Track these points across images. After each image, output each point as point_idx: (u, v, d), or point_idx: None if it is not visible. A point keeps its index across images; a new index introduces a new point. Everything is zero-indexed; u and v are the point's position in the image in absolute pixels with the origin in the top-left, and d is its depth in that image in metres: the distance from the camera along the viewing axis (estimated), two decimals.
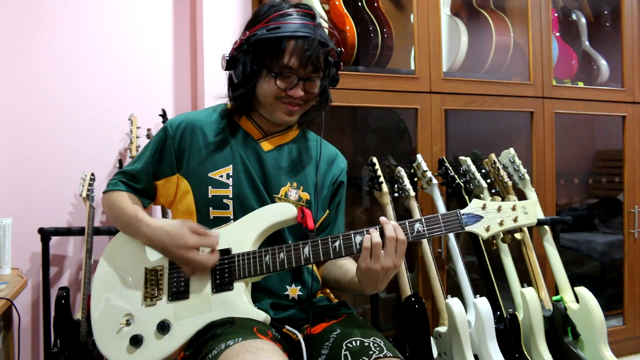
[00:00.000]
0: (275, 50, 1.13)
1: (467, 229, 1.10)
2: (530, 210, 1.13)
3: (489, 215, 1.11)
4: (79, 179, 1.93)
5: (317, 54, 1.13)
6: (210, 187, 1.19)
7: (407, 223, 1.10)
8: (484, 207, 1.12)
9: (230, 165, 1.21)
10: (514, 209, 1.12)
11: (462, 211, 1.11)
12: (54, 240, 1.90)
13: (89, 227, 1.78)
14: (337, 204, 1.34)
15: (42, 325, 1.82)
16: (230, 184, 1.20)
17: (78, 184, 1.95)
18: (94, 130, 2.02)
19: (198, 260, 1.08)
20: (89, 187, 1.85)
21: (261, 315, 1.09)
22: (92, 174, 1.90)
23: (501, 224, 1.11)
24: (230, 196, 1.19)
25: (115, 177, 1.27)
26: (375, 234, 1.05)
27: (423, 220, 1.10)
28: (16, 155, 1.93)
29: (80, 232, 1.83)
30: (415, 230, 1.10)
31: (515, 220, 1.12)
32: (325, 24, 1.18)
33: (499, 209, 1.12)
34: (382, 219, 1.08)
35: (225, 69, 1.21)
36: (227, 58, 1.19)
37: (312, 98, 1.21)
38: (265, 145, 1.25)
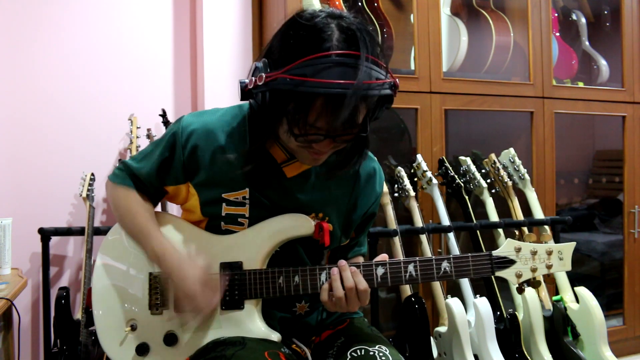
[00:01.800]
0: (298, 106, 0.90)
1: (498, 274, 1.04)
2: (566, 256, 1.05)
3: (522, 261, 1.04)
4: (79, 179, 1.92)
5: (353, 112, 0.89)
6: (224, 205, 1.08)
7: (434, 260, 1.03)
8: (518, 251, 1.04)
9: (247, 189, 1.08)
10: (549, 254, 1.04)
11: (494, 253, 1.04)
12: (54, 240, 1.90)
13: (89, 227, 1.78)
14: (362, 231, 1.24)
15: (42, 325, 1.81)
16: (247, 203, 1.08)
17: (78, 184, 1.94)
18: (94, 130, 2.02)
19: (194, 308, 1.03)
20: (89, 187, 1.85)
21: (272, 336, 1.05)
22: (92, 174, 1.90)
23: (534, 270, 1.04)
24: (247, 215, 1.09)
25: (123, 170, 1.15)
26: (336, 284, 1.00)
27: (452, 259, 1.04)
28: (16, 155, 1.93)
29: (80, 232, 1.83)
30: (442, 269, 1.04)
31: (549, 267, 1.04)
32: (371, 44, 0.91)
33: (533, 255, 1.04)
34: (340, 263, 1.02)
35: (241, 100, 1.00)
36: (242, 87, 0.97)
37: (344, 144, 1.00)
38: (289, 171, 1.09)
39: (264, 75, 0.92)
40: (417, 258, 1.04)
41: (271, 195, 1.09)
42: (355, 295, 1.00)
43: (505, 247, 1.05)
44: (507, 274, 1.04)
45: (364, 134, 0.96)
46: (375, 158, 1.21)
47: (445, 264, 1.04)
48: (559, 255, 1.05)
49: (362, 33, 0.90)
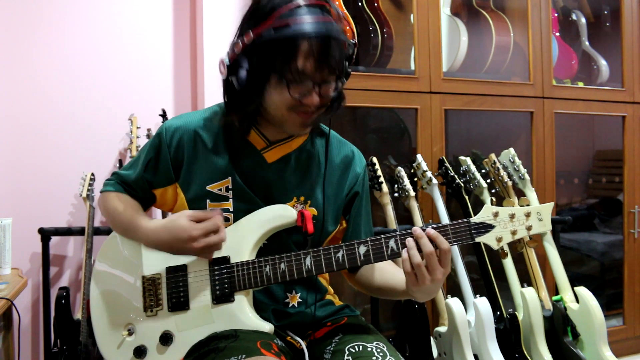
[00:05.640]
0: (286, 54, 0.97)
1: (478, 239, 1.03)
2: (545, 216, 1.03)
3: (501, 225, 1.03)
4: (79, 179, 1.93)
5: (334, 54, 0.99)
6: (208, 201, 1.12)
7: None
8: (495, 215, 1.03)
9: (229, 178, 1.12)
10: (527, 215, 1.03)
11: (472, 220, 1.03)
12: (54, 240, 1.90)
13: (89, 227, 1.78)
14: (354, 217, 1.22)
15: (42, 325, 1.82)
16: (230, 196, 1.12)
17: (78, 184, 1.95)
18: (94, 130, 2.02)
19: (210, 246, 1.04)
20: (89, 187, 1.85)
21: (265, 327, 1.06)
22: (92, 174, 1.90)
23: (514, 233, 1.03)
24: (231, 209, 1.12)
25: (113, 179, 1.21)
26: (413, 252, 0.99)
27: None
28: (16, 156, 1.93)
29: (80, 232, 1.83)
30: None
31: (529, 228, 1.03)
32: (336, 11, 1.03)
33: (511, 217, 1.03)
34: (415, 229, 1.00)
35: (227, 76, 1.05)
36: (228, 63, 1.04)
37: (326, 103, 1.06)
38: (270, 156, 1.14)
39: (251, 33, 0.99)
40: (397, 233, 1.03)
41: (253, 181, 1.13)
42: (435, 259, 0.98)
43: (483, 212, 1.04)
44: (487, 238, 1.03)
45: (342, 82, 1.05)
46: (353, 145, 1.25)
47: None
48: (538, 217, 1.03)
49: None
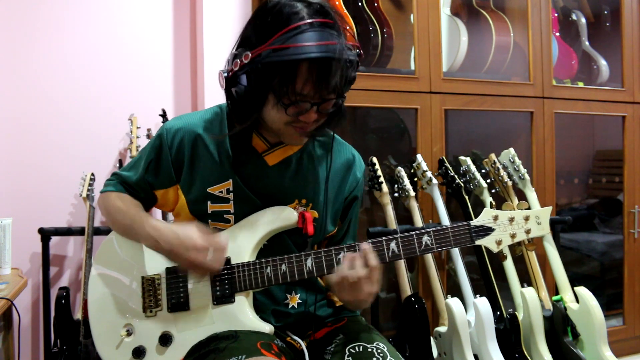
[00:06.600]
0: (285, 76, 0.95)
1: (478, 242, 1.05)
2: (544, 220, 1.07)
3: (501, 228, 1.05)
4: (79, 179, 1.93)
5: (335, 76, 0.95)
6: (209, 202, 1.12)
7: (414, 235, 1.05)
8: (495, 219, 1.05)
9: (230, 180, 1.11)
10: (526, 219, 1.06)
11: (472, 223, 1.05)
12: (54, 240, 1.90)
13: (89, 227, 1.78)
14: (349, 220, 1.24)
15: (42, 325, 1.82)
16: (231, 198, 1.12)
17: (78, 184, 1.95)
18: (94, 130, 2.02)
19: (206, 264, 1.03)
20: (89, 187, 1.85)
21: (265, 327, 1.06)
22: (92, 174, 1.90)
23: (513, 236, 1.06)
24: (232, 211, 1.13)
25: (113, 179, 1.21)
26: (345, 266, 1.00)
27: (432, 232, 1.05)
28: (16, 155, 1.93)
29: (80, 232, 1.83)
30: (423, 243, 1.05)
31: (527, 232, 1.06)
32: (340, 20, 1.00)
33: (511, 221, 1.06)
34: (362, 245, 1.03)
35: (225, 89, 1.05)
36: (226, 75, 1.03)
37: (324, 116, 1.06)
38: (270, 159, 1.14)
39: (249, 53, 0.97)
40: (399, 235, 1.05)
41: (254, 184, 1.13)
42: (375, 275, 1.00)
43: (483, 216, 1.06)
44: (486, 241, 1.05)
45: (342, 99, 1.03)
46: (352, 147, 1.25)
47: (426, 238, 1.05)
48: (537, 220, 1.06)
49: (327, 7, 0.98)
